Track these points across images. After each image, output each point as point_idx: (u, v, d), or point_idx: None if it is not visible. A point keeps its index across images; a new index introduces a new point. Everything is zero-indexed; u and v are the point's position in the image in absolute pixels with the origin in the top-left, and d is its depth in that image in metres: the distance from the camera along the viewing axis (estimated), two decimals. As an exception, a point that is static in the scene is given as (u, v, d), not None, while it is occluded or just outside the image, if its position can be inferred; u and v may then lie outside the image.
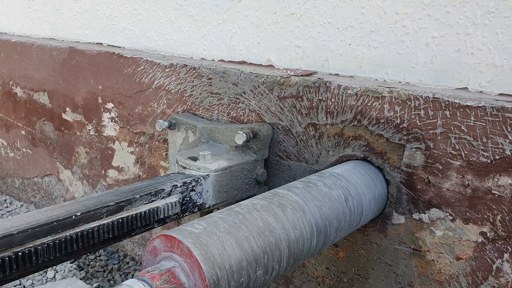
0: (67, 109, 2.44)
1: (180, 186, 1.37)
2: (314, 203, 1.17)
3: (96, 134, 2.31)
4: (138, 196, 1.25)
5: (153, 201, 1.29)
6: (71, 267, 2.23)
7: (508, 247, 1.25)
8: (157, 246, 0.93)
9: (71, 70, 2.37)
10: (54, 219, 1.09)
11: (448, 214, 1.34)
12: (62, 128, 2.49)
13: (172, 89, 1.94)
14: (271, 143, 1.68)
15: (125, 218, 1.20)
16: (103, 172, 2.32)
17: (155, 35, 2.18)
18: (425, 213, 1.38)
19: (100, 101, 2.25)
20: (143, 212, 1.25)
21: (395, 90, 1.40)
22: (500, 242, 1.26)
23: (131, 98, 2.10)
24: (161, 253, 0.93)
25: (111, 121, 2.22)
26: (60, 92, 2.46)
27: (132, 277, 0.89)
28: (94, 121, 2.30)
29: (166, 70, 1.95)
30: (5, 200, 2.98)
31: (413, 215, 1.40)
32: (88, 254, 2.32)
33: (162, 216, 1.30)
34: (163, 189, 1.32)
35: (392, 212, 1.44)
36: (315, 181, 1.27)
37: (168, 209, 1.32)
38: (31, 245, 1.04)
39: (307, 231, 1.11)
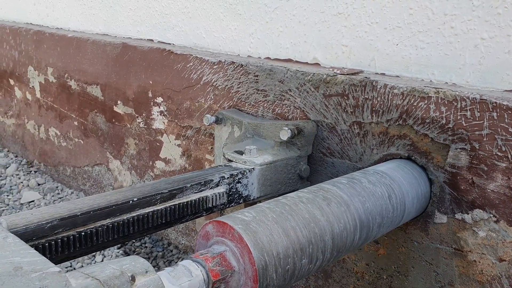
0: (119, 102, 2.56)
1: (228, 177, 1.43)
2: (358, 198, 1.21)
3: (146, 126, 2.41)
4: (189, 185, 1.32)
5: (202, 190, 1.36)
6: (118, 252, 2.35)
7: (553, 250, 1.24)
8: (210, 231, 1.00)
9: (123, 65, 2.49)
10: (113, 203, 1.17)
11: (492, 215, 1.34)
12: (113, 120, 2.62)
13: (219, 85, 2.01)
14: (315, 140, 1.72)
15: (177, 205, 1.28)
16: (150, 163, 2.42)
17: (203, 33, 2.26)
18: (468, 213, 1.39)
19: (150, 95, 2.35)
20: (193, 201, 1.32)
21: (441, 91, 1.41)
22: (545, 245, 1.26)
23: (179, 93, 2.19)
24: (213, 238, 0.99)
25: (160, 114, 2.31)
26: (112, 85, 2.58)
27: (181, 260, 0.96)
28: (144, 114, 2.41)
29: (214, 67, 2.02)
30: (57, 187, 3.14)
31: (455, 215, 1.41)
32: (138, 239, 2.43)
33: (210, 205, 1.37)
34: (212, 180, 1.39)
35: (435, 211, 1.45)
36: (359, 177, 1.30)
37: (216, 198, 1.38)
38: (92, 226, 1.13)
39: (350, 225, 1.15)
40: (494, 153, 1.32)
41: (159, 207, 1.24)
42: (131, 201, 1.19)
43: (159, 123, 2.33)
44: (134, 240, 2.45)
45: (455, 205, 1.41)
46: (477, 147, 1.35)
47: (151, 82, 2.33)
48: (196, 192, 1.34)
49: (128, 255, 2.32)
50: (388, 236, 1.57)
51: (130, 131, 2.51)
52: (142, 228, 1.21)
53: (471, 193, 1.37)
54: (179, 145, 2.25)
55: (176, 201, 1.28)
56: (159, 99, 2.30)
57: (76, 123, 2.93)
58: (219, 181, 1.40)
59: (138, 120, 2.45)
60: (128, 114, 2.50)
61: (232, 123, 1.88)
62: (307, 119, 1.74)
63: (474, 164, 1.36)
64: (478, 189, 1.36)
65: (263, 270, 0.93)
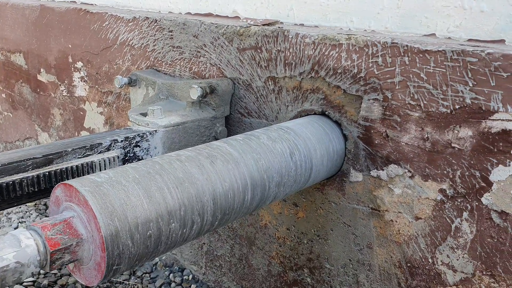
0: (41, 70, 2.37)
1: (122, 141, 1.29)
2: (252, 155, 1.09)
3: (68, 95, 2.25)
4: (70, 150, 1.18)
5: (88, 155, 1.22)
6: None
7: (468, 205, 1.15)
8: (59, 195, 0.86)
9: (43, 29, 2.30)
10: (-31, 170, 1.03)
11: (406, 170, 1.24)
12: (38, 90, 2.44)
13: (135, 44, 1.85)
14: (233, 100, 1.59)
15: (53, 172, 1.14)
16: (76, 134, 2.26)
17: (124, -10, 2.08)
18: (383, 169, 1.28)
19: (70, 60, 2.18)
20: (74, 166, 1.18)
21: (353, 37, 1.28)
22: (459, 200, 1.16)
23: (98, 56, 2.02)
24: (63, 203, 0.86)
25: (81, 80, 2.15)
26: (34, 52, 2.39)
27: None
28: (66, 81, 2.24)
29: (129, 24, 1.85)
30: (-9, 164, 2.96)
31: (371, 172, 1.30)
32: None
33: (98, 171, 1.23)
34: (101, 143, 1.25)
35: (350, 169, 1.34)
36: (259, 134, 1.18)
37: (105, 164, 1.25)
38: None
39: (238, 184, 1.03)
40: (406, 102, 1.21)
41: (29, 174, 1.10)
42: (-8, 168, 1.05)
43: (81, 90, 2.16)
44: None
45: (370, 162, 1.30)
46: (389, 97, 1.23)
47: (70, 46, 2.15)
48: (80, 157, 1.20)
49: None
50: (306, 198, 1.46)
51: (54, 101, 2.34)
52: (9, 197, 1.07)
53: (386, 148, 1.26)
54: (101, 113, 2.09)
55: (53, 167, 1.14)
56: (79, 64, 2.13)
57: (4, 95, 2.74)
58: (110, 145, 1.27)
59: (61, 88, 2.27)
60: (51, 82, 2.33)
61: (147, 85, 1.73)
62: (224, 77, 1.60)
63: (387, 116, 1.25)
64: (392, 143, 1.25)
65: (113, 237, 0.80)
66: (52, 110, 2.37)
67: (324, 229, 1.44)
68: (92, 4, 2.23)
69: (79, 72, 2.14)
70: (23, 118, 2.63)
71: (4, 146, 2.88)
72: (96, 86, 2.07)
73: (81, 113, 2.20)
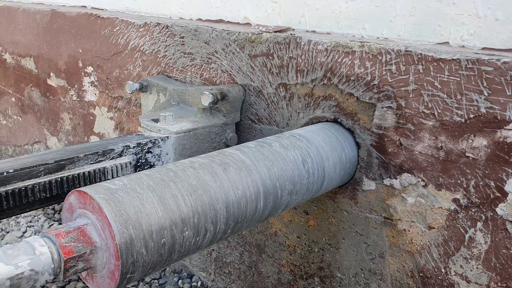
0: (51, 74, 2.38)
1: (134, 147, 1.29)
2: (264, 163, 1.08)
3: (78, 99, 2.25)
4: (82, 155, 1.18)
5: (100, 161, 1.22)
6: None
7: (482, 215, 1.13)
8: (73, 202, 0.86)
9: (53, 33, 2.31)
10: (-18, 175, 1.03)
11: (420, 179, 1.23)
12: (48, 94, 2.45)
13: (146, 50, 1.85)
14: (243, 106, 1.59)
15: (65, 178, 1.14)
16: (85, 138, 2.27)
17: (135, -5, 2.09)
18: (396, 178, 1.27)
19: (80, 65, 2.18)
20: (87, 172, 1.18)
21: (366, 44, 1.27)
22: (473, 210, 1.15)
23: (108, 61, 2.03)
24: (76, 210, 0.86)
25: (91, 85, 2.15)
26: (45, 56, 2.40)
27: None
28: (76, 86, 2.24)
29: (140, 29, 1.86)
30: None
31: (384, 180, 1.29)
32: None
33: (110, 177, 1.23)
34: (113, 149, 1.25)
35: (363, 178, 1.33)
36: (271, 141, 1.17)
37: (118, 170, 1.24)
38: (-45, 202, 0.98)
39: (251, 192, 1.02)
40: (420, 111, 1.20)
41: (42, 180, 1.10)
42: (5, 173, 1.05)
43: (90, 95, 2.17)
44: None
45: (383, 170, 1.29)
46: (403, 105, 1.22)
47: (80, 50, 2.16)
48: (92, 163, 1.20)
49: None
50: (317, 206, 1.45)
51: (64, 105, 2.35)
52: (21, 202, 1.07)
53: (399, 156, 1.25)
54: (111, 118, 2.09)
55: (65, 173, 1.14)
56: (89, 69, 2.14)
57: (13, 99, 2.75)
58: (122, 151, 1.26)
59: (71, 93, 2.28)
60: (61, 86, 2.34)
61: (158, 90, 1.73)
62: (234, 83, 1.60)
63: (401, 124, 1.24)
64: (405, 151, 1.24)
65: (127, 245, 0.80)
66: (62, 115, 2.38)
67: (336, 237, 1.43)
68: (103, 9, 2.24)
69: (89, 77, 2.15)
70: (32, 122, 2.64)
71: (13, 150, 2.89)
72: (107, 91, 2.07)
73: (91, 117, 2.20)
